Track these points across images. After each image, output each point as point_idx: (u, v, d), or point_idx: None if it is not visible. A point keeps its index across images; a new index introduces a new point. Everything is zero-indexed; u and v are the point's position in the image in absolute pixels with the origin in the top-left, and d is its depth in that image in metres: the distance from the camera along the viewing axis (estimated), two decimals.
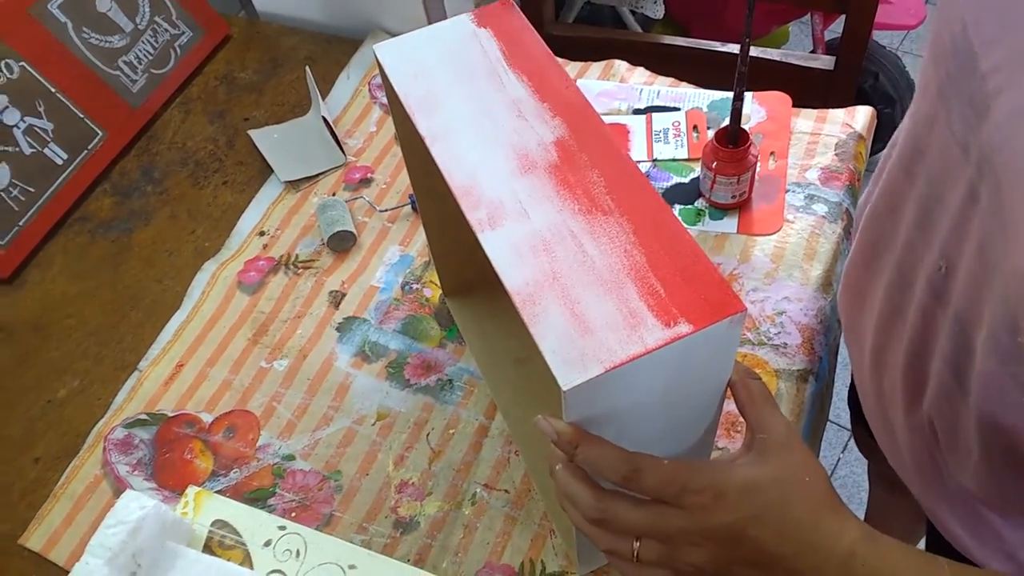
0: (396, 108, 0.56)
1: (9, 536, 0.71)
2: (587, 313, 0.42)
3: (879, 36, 2.04)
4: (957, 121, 0.46)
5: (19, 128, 0.89)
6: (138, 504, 0.56)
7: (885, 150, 0.62)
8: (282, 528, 0.61)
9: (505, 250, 0.44)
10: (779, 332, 0.75)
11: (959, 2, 0.45)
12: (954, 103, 0.46)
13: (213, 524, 0.61)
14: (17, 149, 0.89)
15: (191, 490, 0.64)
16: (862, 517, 1.30)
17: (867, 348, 0.61)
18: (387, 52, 0.54)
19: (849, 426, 1.58)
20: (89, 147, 0.94)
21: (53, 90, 0.92)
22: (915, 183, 0.52)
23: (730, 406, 0.49)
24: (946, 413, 0.53)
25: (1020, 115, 0.40)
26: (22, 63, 0.89)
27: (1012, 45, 0.41)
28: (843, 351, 1.70)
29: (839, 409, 1.60)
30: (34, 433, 0.77)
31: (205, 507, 0.63)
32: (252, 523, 0.61)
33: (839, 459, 1.56)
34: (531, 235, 0.45)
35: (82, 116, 0.94)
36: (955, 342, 0.49)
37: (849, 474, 1.54)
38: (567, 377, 0.39)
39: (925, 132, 0.50)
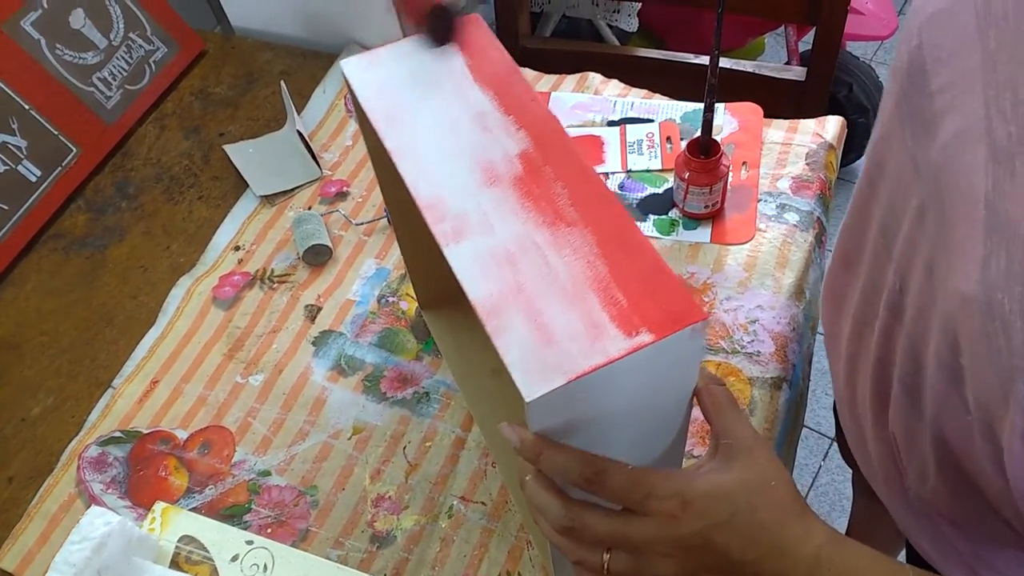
0: (364, 122, 0.56)
1: None
2: (551, 324, 0.42)
3: (852, 47, 2.07)
4: (910, 137, 0.46)
5: None
6: (103, 520, 0.56)
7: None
8: (249, 543, 0.60)
9: (470, 263, 0.45)
10: (752, 340, 0.75)
11: (918, 17, 0.46)
12: (908, 119, 0.46)
13: (180, 540, 0.60)
14: None
15: (158, 506, 0.64)
16: (845, 525, 1.30)
17: (843, 356, 0.62)
18: (354, 68, 0.55)
19: (830, 435, 1.59)
20: (63, 164, 0.94)
21: (27, 107, 0.91)
22: (877, 197, 0.53)
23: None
24: (905, 430, 0.53)
25: (963, 138, 0.40)
26: None
27: (960, 66, 0.41)
28: (819, 359, 1.71)
29: (819, 417, 1.61)
30: (7, 452, 0.77)
31: (172, 522, 0.63)
32: (219, 538, 0.61)
33: (820, 467, 1.57)
34: (495, 247, 0.45)
35: (56, 133, 0.94)
36: (908, 360, 0.49)
37: (830, 482, 1.55)
38: (530, 388, 0.40)
39: (885, 147, 0.51)
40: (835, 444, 1.58)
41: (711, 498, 0.43)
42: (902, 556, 1.30)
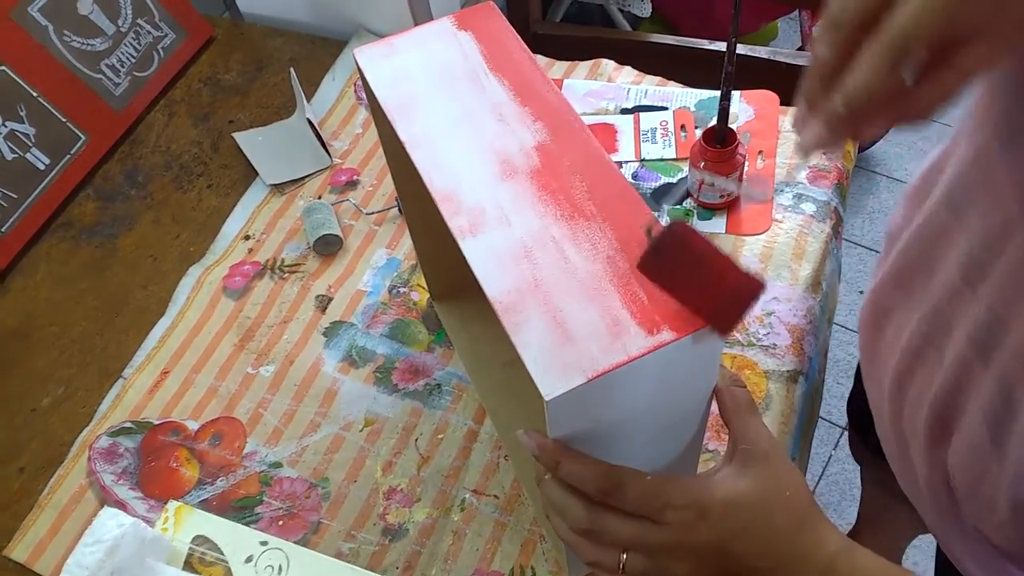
0: (377, 112, 0.55)
1: None
2: (569, 321, 0.41)
3: None
4: (1016, 163, 0.42)
5: (0, 133, 0.88)
6: (116, 522, 0.55)
7: (925, 170, 0.57)
8: (264, 543, 0.60)
9: (486, 257, 0.44)
10: (768, 333, 0.74)
11: None
12: (1015, 142, 0.42)
13: (193, 540, 0.60)
14: None
15: (171, 505, 0.63)
16: (854, 515, 1.29)
17: (889, 370, 0.59)
18: (367, 56, 0.54)
19: (841, 424, 1.58)
20: (72, 151, 0.93)
21: (35, 94, 0.91)
22: (962, 223, 0.48)
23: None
24: (974, 466, 0.50)
25: None
26: (3, 67, 0.88)
27: None
28: (831, 351, 1.70)
29: (830, 406, 1.60)
30: (18, 443, 0.76)
31: (185, 523, 0.62)
32: (233, 538, 0.60)
33: (831, 456, 1.56)
34: (513, 242, 0.44)
35: (64, 120, 0.93)
36: (997, 402, 0.47)
37: (841, 471, 1.54)
38: (550, 387, 0.39)
39: (978, 173, 0.47)
40: (846, 433, 1.58)
41: (728, 507, 0.43)
42: (914, 547, 1.30)
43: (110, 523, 0.56)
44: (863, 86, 0.35)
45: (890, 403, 0.59)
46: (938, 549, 0.68)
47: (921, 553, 1.39)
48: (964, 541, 0.58)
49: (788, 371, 0.72)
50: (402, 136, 0.49)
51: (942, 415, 0.52)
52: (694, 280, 0.39)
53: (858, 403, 0.92)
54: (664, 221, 0.40)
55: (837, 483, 1.53)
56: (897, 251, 0.57)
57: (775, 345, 0.74)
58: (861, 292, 1.76)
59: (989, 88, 0.46)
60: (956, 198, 0.50)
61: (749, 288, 0.39)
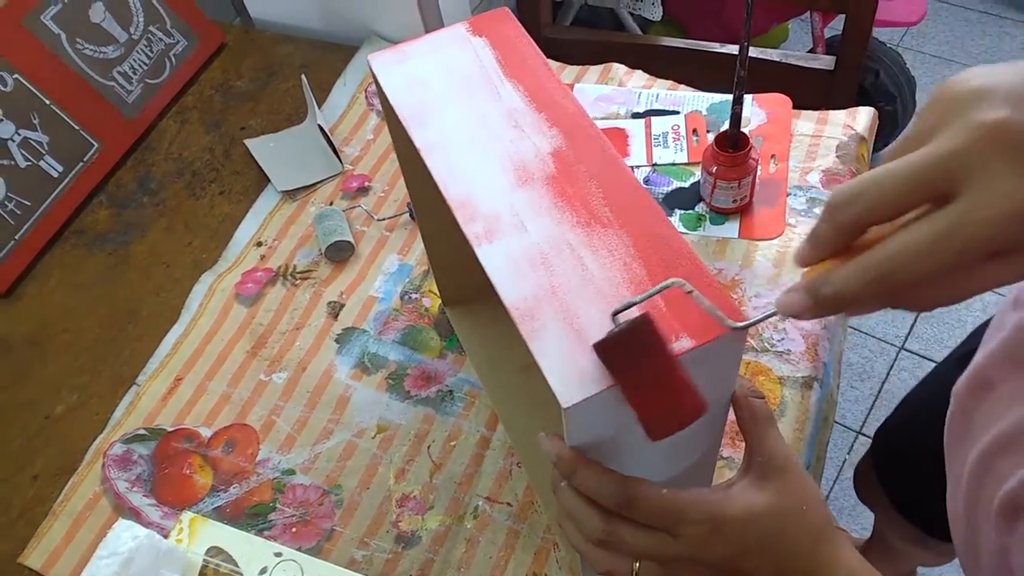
0: (391, 118, 0.55)
1: (9, 555, 0.70)
2: (587, 328, 0.41)
3: (879, 33, 2.03)
4: None
5: (14, 141, 0.88)
6: (131, 534, 0.55)
7: None
8: (278, 555, 0.60)
9: (503, 264, 0.44)
10: (782, 339, 0.74)
11: None
12: None
13: (208, 552, 0.60)
14: (12, 162, 0.88)
15: (185, 516, 0.63)
16: (869, 520, 1.28)
17: (977, 444, 0.55)
18: (381, 62, 0.54)
19: (855, 428, 1.57)
20: (85, 159, 0.94)
21: (48, 102, 0.91)
22: None
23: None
24: None
25: None
26: (16, 75, 0.89)
27: None
28: (847, 355, 1.68)
29: (844, 410, 1.59)
30: (32, 450, 0.76)
31: (199, 534, 0.62)
32: (247, 549, 0.60)
33: (845, 460, 1.55)
34: (529, 248, 0.44)
35: (77, 128, 0.93)
36: None
37: None
38: (567, 394, 0.39)
39: None
40: (860, 438, 1.57)
41: (742, 523, 0.42)
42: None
43: (125, 535, 0.56)
44: (852, 293, 0.34)
45: (969, 479, 0.56)
46: None
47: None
48: None
49: (803, 377, 0.72)
50: (417, 143, 0.49)
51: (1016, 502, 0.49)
52: (645, 381, 0.38)
53: (891, 435, 0.89)
54: (633, 313, 0.39)
55: (852, 488, 1.52)
56: (1006, 339, 0.53)
57: (789, 351, 0.73)
58: None
59: None
60: None
61: (693, 409, 0.39)
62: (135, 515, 0.70)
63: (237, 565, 0.58)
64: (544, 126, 0.49)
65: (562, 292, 0.42)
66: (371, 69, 0.54)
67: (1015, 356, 0.53)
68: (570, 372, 0.39)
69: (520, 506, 0.68)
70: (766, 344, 0.74)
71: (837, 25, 1.13)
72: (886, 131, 1.77)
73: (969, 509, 0.57)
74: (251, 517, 0.69)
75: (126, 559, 0.54)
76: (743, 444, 0.46)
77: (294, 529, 0.68)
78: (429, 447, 0.72)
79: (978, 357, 0.58)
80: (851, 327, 1.69)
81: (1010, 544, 0.50)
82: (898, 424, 0.93)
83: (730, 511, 0.42)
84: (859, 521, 1.47)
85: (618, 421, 0.42)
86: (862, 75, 1.67)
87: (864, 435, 1.57)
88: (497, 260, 0.44)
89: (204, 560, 0.59)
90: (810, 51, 1.66)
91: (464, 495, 0.69)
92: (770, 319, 0.39)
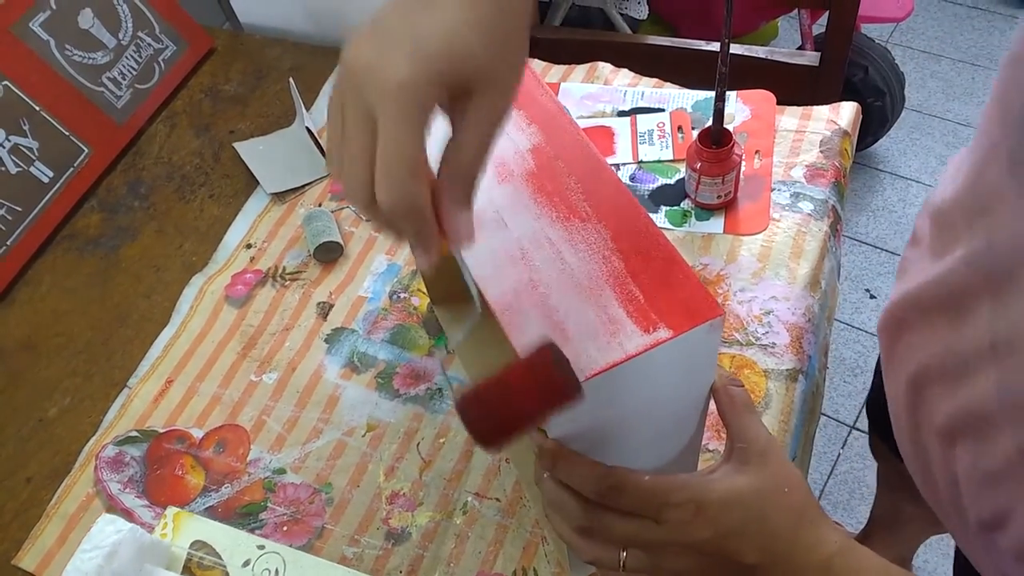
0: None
1: (3, 557, 0.71)
2: (566, 321, 0.41)
3: (867, 29, 2.04)
4: None
5: (4, 147, 0.89)
6: (114, 528, 0.56)
7: (949, 199, 0.54)
8: (261, 547, 0.60)
9: (484, 260, 0.44)
10: (767, 332, 0.74)
11: None
12: None
13: (192, 545, 0.60)
14: (2, 169, 0.89)
15: (170, 511, 0.64)
16: (864, 514, 1.29)
17: (905, 375, 0.58)
18: None
19: (848, 422, 1.58)
20: (75, 164, 0.94)
21: (37, 108, 0.92)
22: (992, 286, 0.47)
23: None
24: (1004, 483, 0.49)
25: None
26: (5, 82, 0.89)
27: None
28: (837, 349, 1.69)
29: (838, 405, 1.60)
30: (25, 453, 0.77)
31: (184, 528, 0.63)
32: (231, 543, 0.61)
33: (839, 455, 1.56)
34: (509, 243, 0.45)
35: (67, 133, 0.94)
36: None
37: (849, 470, 1.54)
38: None
39: (997, 221, 0.46)
40: (853, 432, 1.58)
41: (724, 505, 0.43)
42: (926, 546, 1.29)
43: (108, 529, 0.56)
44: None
45: (907, 408, 0.59)
46: (956, 550, 0.68)
47: (932, 551, 1.38)
48: (986, 552, 0.56)
49: (787, 370, 0.73)
50: None
51: (959, 428, 0.51)
52: (497, 392, 0.38)
53: (878, 402, 0.92)
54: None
55: (846, 482, 1.53)
56: (921, 277, 0.55)
57: (774, 344, 0.74)
58: (867, 290, 1.76)
59: (999, 120, 0.45)
60: (983, 255, 0.47)
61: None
62: (128, 516, 0.71)
63: (220, 558, 0.59)
64: (523, 123, 0.49)
65: (542, 286, 0.43)
66: None
67: (922, 306, 0.55)
68: None
69: (508, 501, 0.69)
70: (751, 337, 0.74)
71: (826, 22, 1.13)
72: (875, 127, 1.79)
73: (913, 435, 0.59)
74: (243, 516, 0.70)
75: (109, 552, 0.54)
76: (726, 436, 0.47)
77: (285, 528, 0.69)
78: (418, 444, 0.72)
79: (891, 297, 0.61)
80: (843, 323, 1.70)
81: (955, 466, 0.53)
82: (879, 384, 0.94)
83: (712, 493, 0.43)
84: (854, 515, 1.48)
85: (599, 412, 0.43)
86: (850, 71, 1.68)
87: (858, 430, 1.58)
88: (478, 255, 0.44)
89: (188, 553, 0.60)
90: (799, 48, 1.67)
91: (453, 491, 0.70)
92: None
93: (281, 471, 0.72)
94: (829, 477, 1.54)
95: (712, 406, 0.48)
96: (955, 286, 0.50)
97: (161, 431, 0.76)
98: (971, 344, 0.49)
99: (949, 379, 0.52)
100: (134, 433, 0.76)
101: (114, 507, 0.72)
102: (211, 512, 0.70)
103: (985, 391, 0.48)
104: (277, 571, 0.58)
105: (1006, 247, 0.45)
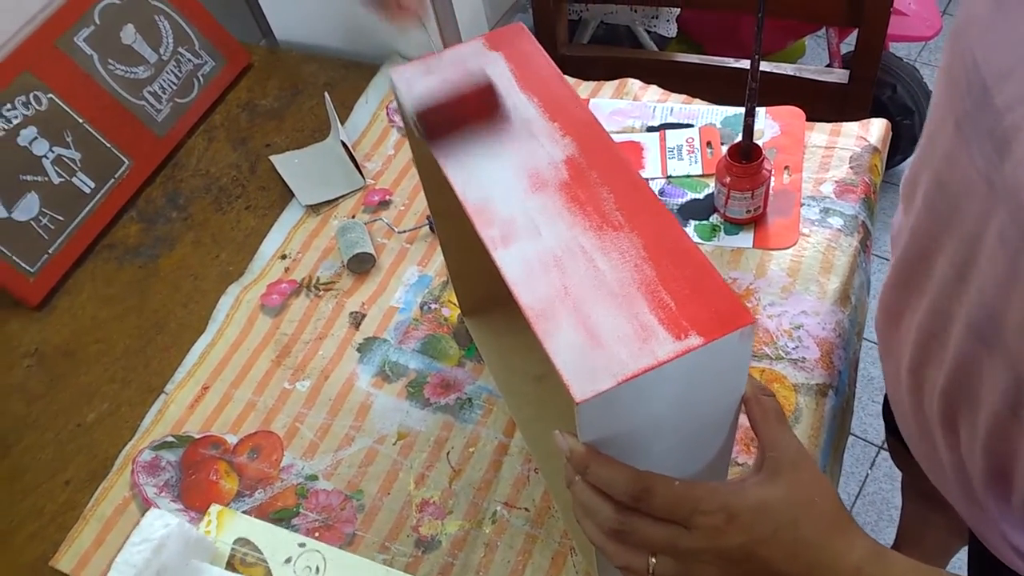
0: (411, 131, 0.57)
1: (41, 558, 0.72)
2: (599, 327, 0.42)
3: (896, 48, 2.04)
4: (979, 157, 0.44)
5: (48, 158, 0.92)
6: (162, 522, 0.57)
7: (913, 166, 0.59)
8: (302, 545, 0.62)
9: (518, 267, 0.45)
10: (797, 346, 0.74)
11: (969, 35, 0.44)
12: (973, 139, 0.45)
13: (235, 542, 0.62)
14: (46, 179, 0.91)
15: (214, 508, 0.65)
16: (892, 535, 1.28)
17: (903, 366, 0.60)
18: (402, 77, 0.56)
19: (877, 442, 1.56)
20: (116, 176, 0.97)
21: (80, 121, 0.94)
22: (944, 220, 0.50)
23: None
24: (998, 443, 0.51)
25: None
26: (50, 95, 0.92)
27: None
28: (865, 368, 1.67)
29: (866, 424, 1.59)
30: (64, 456, 0.79)
31: (227, 525, 0.64)
32: (273, 540, 0.62)
33: (867, 475, 1.54)
34: (543, 252, 0.46)
35: (109, 146, 0.97)
36: (1009, 376, 0.48)
37: (878, 491, 1.52)
38: (580, 390, 0.40)
39: (947, 168, 0.49)
40: (882, 452, 1.56)
41: (756, 513, 0.43)
42: (956, 560, 1.27)
43: (156, 523, 0.57)
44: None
45: (909, 398, 0.60)
46: (971, 540, 0.68)
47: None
48: (995, 525, 0.58)
49: (817, 384, 0.73)
50: (436, 152, 0.51)
51: (955, 398, 0.53)
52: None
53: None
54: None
55: (874, 503, 1.51)
56: (897, 252, 0.59)
57: (804, 359, 0.74)
58: None
59: (944, 87, 0.47)
60: (932, 198, 0.51)
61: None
62: None
63: (263, 554, 0.60)
64: (557, 135, 0.50)
65: (575, 293, 0.44)
66: (392, 82, 0.56)
67: (904, 281, 0.58)
68: (583, 369, 0.41)
69: (537, 511, 0.69)
70: (780, 351, 0.74)
71: (853, 41, 1.14)
72: (903, 144, 1.78)
73: (918, 420, 0.61)
74: (275, 521, 0.71)
75: (157, 545, 0.56)
76: (757, 446, 0.48)
77: (317, 533, 0.70)
78: (448, 453, 0.73)
79: (880, 291, 0.65)
80: (870, 340, 1.69)
81: (960, 448, 0.55)
82: None
83: (744, 501, 0.43)
84: (882, 537, 1.46)
85: (630, 418, 0.43)
86: (879, 89, 1.67)
87: (887, 450, 1.56)
88: (513, 263, 0.45)
89: (232, 549, 0.61)
90: (827, 66, 1.67)
91: (483, 500, 0.70)
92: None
93: (313, 477, 0.73)
94: (857, 498, 1.52)
95: (743, 418, 0.49)
96: (919, 232, 0.53)
97: (196, 437, 0.77)
98: (943, 292, 0.51)
99: (935, 350, 0.54)
100: (170, 438, 0.78)
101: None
102: (248, 516, 0.71)
103: (961, 339, 0.50)
104: (318, 568, 0.59)
105: (953, 180, 0.48)
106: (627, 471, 0.43)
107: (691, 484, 0.44)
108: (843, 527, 0.44)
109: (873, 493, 1.52)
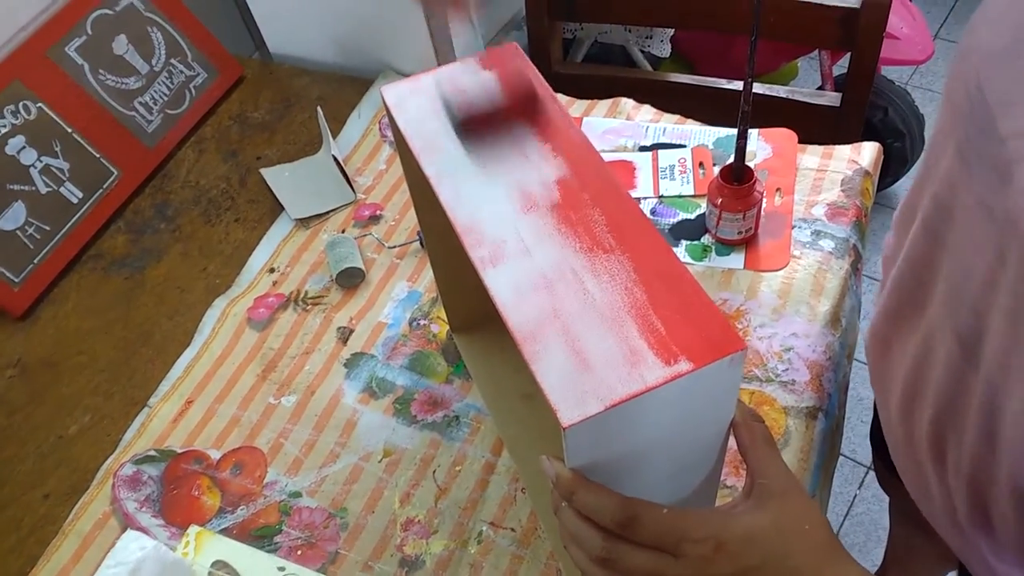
0: (403, 148, 0.57)
1: (18, 573, 0.71)
2: (588, 350, 0.42)
3: (888, 71, 2.05)
4: (979, 184, 0.44)
5: (35, 168, 0.91)
6: (138, 545, 0.56)
7: (909, 194, 0.59)
8: (281, 569, 0.60)
9: (507, 287, 0.45)
10: (787, 369, 0.74)
11: (973, 60, 0.44)
12: (975, 165, 0.44)
13: (213, 564, 0.61)
14: (33, 188, 0.91)
15: (192, 530, 0.64)
16: (880, 556, 1.27)
17: (895, 395, 0.60)
18: (394, 93, 0.55)
19: (866, 463, 1.56)
20: (104, 186, 0.96)
21: (70, 130, 0.94)
22: (944, 246, 0.50)
23: None
24: (978, 474, 0.51)
25: None
26: (40, 104, 0.91)
27: None
28: (855, 388, 1.67)
29: (855, 445, 1.59)
30: (44, 469, 0.78)
31: (205, 547, 0.63)
32: (251, 563, 0.61)
33: (855, 496, 1.54)
34: (533, 273, 0.45)
35: (98, 156, 0.96)
36: (986, 407, 0.48)
37: (866, 511, 1.52)
38: (568, 414, 0.39)
39: (948, 193, 0.48)
40: (871, 473, 1.55)
41: (745, 542, 0.43)
42: None
43: (132, 546, 0.56)
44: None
45: (901, 427, 0.60)
46: (961, 568, 0.67)
47: None
48: (981, 556, 0.57)
49: (807, 407, 0.72)
50: (427, 171, 0.51)
51: (942, 427, 0.53)
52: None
53: (881, 433, 0.92)
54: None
55: (863, 523, 1.50)
56: (890, 283, 0.59)
57: (794, 381, 0.74)
58: None
59: (948, 112, 0.47)
60: (932, 221, 0.51)
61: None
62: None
63: None
64: (549, 155, 0.50)
65: (564, 315, 0.43)
66: (383, 99, 0.55)
67: (897, 310, 0.58)
68: (570, 393, 0.40)
69: (524, 532, 0.68)
70: (771, 374, 0.74)
71: (846, 63, 1.14)
72: (895, 168, 1.79)
73: (908, 452, 0.60)
74: (257, 539, 0.70)
75: (133, 569, 0.55)
76: (746, 472, 0.47)
77: (299, 551, 0.69)
78: (434, 472, 0.72)
79: (872, 318, 0.64)
80: (861, 361, 1.69)
81: (948, 480, 0.54)
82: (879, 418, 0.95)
83: (732, 529, 0.43)
84: (870, 558, 1.45)
85: (618, 443, 0.43)
86: (870, 112, 1.68)
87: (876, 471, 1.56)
88: (501, 284, 0.45)
89: (209, 572, 0.60)
90: (819, 88, 1.68)
91: (468, 520, 0.69)
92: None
93: (297, 494, 0.72)
94: (845, 518, 1.51)
95: (732, 442, 0.48)
96: (915, 258, 0.53)
97: (179, 451, 0.76)
98: (936, 320, 0.51)
99: (926, 378, 0.53)
100: (152, 452, 0.77)
101: (130, 526, 0.72)
102: (226, 534, 0.70)
103: (949, 364, 0.50)
104: None
105: (953, 205, 0.48)
106: (615, 498, 0.43)
107: (679, 512, 0.43)
108: (833, 556, 0.44)
109: (861, 513, 1.52)
